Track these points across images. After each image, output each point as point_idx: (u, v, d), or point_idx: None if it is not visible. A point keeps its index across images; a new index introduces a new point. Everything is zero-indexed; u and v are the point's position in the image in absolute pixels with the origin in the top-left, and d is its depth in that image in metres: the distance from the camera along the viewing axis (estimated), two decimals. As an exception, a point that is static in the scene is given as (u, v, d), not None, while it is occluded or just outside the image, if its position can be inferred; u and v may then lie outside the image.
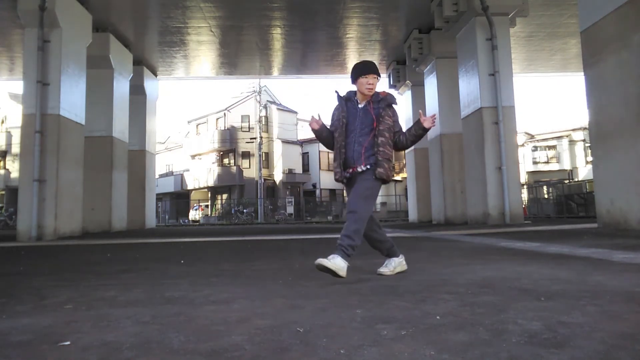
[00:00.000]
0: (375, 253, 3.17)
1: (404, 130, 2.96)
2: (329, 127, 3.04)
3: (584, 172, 31.98)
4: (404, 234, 8.70)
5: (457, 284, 2.49)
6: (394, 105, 2.94)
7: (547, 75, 19.88)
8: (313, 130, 2.99)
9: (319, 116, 2.97)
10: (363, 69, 2.92)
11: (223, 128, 35.70)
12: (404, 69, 16.34)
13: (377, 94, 2.94)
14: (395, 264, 3.00)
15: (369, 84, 2.88)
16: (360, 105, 2.92)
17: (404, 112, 17.55)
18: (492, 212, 10.32)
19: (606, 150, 6.88)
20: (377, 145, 2.80)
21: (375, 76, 2.91)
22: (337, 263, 2.58)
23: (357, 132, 2.86)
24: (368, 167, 2.82)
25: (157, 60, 16.28)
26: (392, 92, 17.66)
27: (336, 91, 3.07)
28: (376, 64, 3.08)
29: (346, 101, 2.97)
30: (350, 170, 2.87)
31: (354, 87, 3.02)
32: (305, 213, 29.68)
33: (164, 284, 2.76)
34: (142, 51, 15.36)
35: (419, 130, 2.91)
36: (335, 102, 3.06)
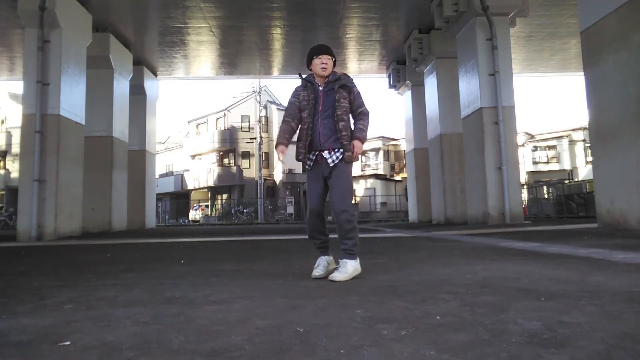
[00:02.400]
0: (375, 253, 3.16)
1: (365, 109, 2.91)
2: (289, 118, 2.93)
3: (584, 172, 31.99)
4: (404, 234, 8.70)
5: (457, 284, 2.49)
6: (350, 85, 2.90)
7: (547, 75, 19.88)
8: (282, 152, 2.86)
9: (282, 151, 2.85)
10: (316, 50, 2.94)
11: (223, 128, 35.72)
12: (404, 69, 16.34)
13: (335, 73, 2.94)
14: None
15: (323, 63, 2.89)
16: (320, 88, 2.91)
17: (404, 112, 17.58)
18: (492, 212, 10.32)
19: (606, 150, 6.88)
20: (339, 131, 2.80)
21: (329, 56, 2.91)
22: (349, 271, 2.71)
23: (322, 114, 2.85)
24: (338, 156, 2.80)
25: (157, 60, 16.28)
26: (392, 92, 17.75)
27: (299, 74, 3.07)
28: (330, 48, 3.03)
29: (309, 84, 2.95)
30: (316, 153, 2.84)
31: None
32: (305, 213, 29.64)
33: (164, 284, 2.76)
34: (142, 51, 15.36)
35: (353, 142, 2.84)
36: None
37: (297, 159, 2.88)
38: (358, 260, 2.80)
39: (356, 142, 2.80)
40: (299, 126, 2.92)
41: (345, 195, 2.80)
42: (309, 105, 2.87)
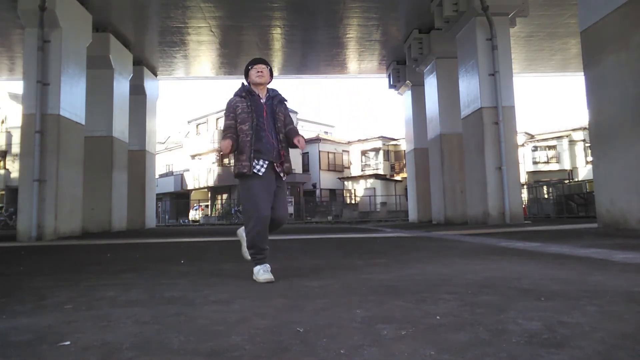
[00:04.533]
0: (375, 253, 3.17)
1: (295, 127, 3.06)
2: (229, 124, 2.91)
3: (584, 172, 31.97)
4: (404, 234, 8.70)
5: (457, 284, 2.49)
6: (284, 101, 3.04)
7: (547, 75, 19.88)
8: (226, 150, 2.80)
9: (227, 146, 2.79)
10: (251, 62, 3.03)
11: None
12: (404, 69, 16.34)
13: (272, 89, 3.05)
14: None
15: (259, 71, 2.94)
16: (262, 100, 2.96)
17: (404, 112, 17.57)
18: (492, 212, 10.32)
19: (606, 150, 6.88)
20: (280, 142, 2.91)
21: (264, 65, 2.98)
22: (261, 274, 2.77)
23: (268, 127, 2.88)
24: (285, 168, 2.92)
25: (157, 60, 16.29)
26: (392, 92, 17.74)
27: (243, 83, 3.07)
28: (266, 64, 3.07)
29: (249, 95, 2.94)
30: (267, 162, 2.83)
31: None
32: (305, 213, 29.68)
33: (164, 284, 2.76)
34: (142, 51, 15.36)
35: (290, 144, 2.98)
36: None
37: (241, 172, 2.79)
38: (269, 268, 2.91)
39: (300, 138, 2.91)
40: (238, 139, 2.85)
41: (286, 207, 2.99)
42: (249, 117, 2.84)
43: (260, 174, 2.81)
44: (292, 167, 3.00)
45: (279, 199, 2.90)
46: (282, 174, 2.90)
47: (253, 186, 2.79)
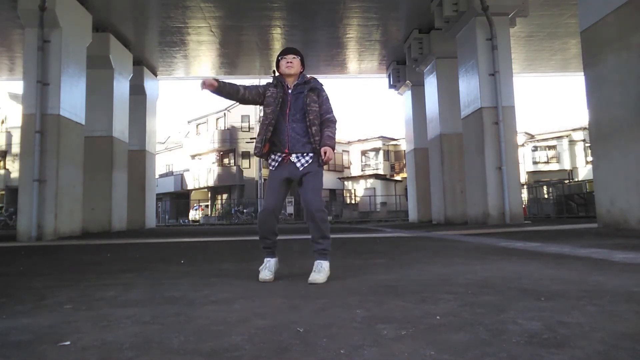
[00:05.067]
0: (375, 253, 3.16)
1: (333, 117, 2.89)
2: (241, 85, 2.93)
3: (584, 172, 31.98)
4: (404, 234, 8.70)
5: (457, 284, 2.49)
6: (319, 89, 2.89)
7: (547, 75, 19.88)
8: (210, 91, 2.83)
9: (213, 79, 2.85)
10: (281, 53, 2.96)
11: (223, 128, 35.72)
12: (404, 69, 16.34)
13: (304, 76, 2.94)
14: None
15: (288, 62, 2.88)
16: (289, 90, 2.89)
17: (404, 112, 17.58)
18: (492, 212, 10.32)
19: (606, 150, 6.88)
20: (312, 136, 2.78)
21: (294, 55, 2.91)
22: (326, 271, 2.70)
23: (289, 116, 2.82)
24: (308, 160, 2.78)
25: (157, 60, 16.28)
26: (392, 92, 17.74)
27: (273, 71, 3.12)
28: (298, 49, 3.02)
29: (278, 84, 2.92)
30: (283, 155, 2.80)
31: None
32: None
33: (164, 284, 2.76)
34: (142, 51, 15.36)
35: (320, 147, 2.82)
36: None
37: (254, 153, 2.87)
38: (329, 262, 2.77)
39: (327, 149, 2.76)
40: (247, 99, 2.91)
41: (319, 195, 2.80)
42: (275, 102, 2.83)
43: (272, 168, 2.85)
44: (327, 161, 2.80)
45: (306, 190, 2.77)
46: (299, 166, 2.77)
47: (270, 178, 2.89)
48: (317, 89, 2.88)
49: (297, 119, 2.80)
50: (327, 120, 2.86)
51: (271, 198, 2.83)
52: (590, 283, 2.37)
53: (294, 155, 2.78)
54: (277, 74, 3.00)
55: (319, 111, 2.85)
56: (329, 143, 2.79)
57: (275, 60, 3.05)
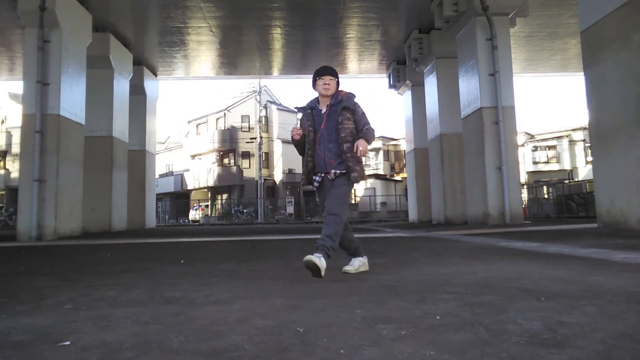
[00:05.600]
0: (375, 253, 3.18)
1: (370, 126, 2.99)
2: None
3: (584, 172, 31.98)
4: (404, 234, 8.70)
5: (457, 284, 2.49)
6: (352, 107, 2.97)
7: (547, 75, 19.89)
8: (295, 140, 3.03)
9: (299, 126, 3.04)
10: (318, 72, 3.05)
11: (223, 128, 35.72)
12: (404, 69, 16.34)
13: (337, 96, 3.01)
14: (360, 264, 3.06)
15: (325, 84, 2.98)
16: (323, 111, 3.00)
17: (404, 112, 17.57)
18: (492, 212, 10.32)
19: (606, 150, 6.88)
20: (344, 153, 2.89)
21: (331, 77, 3.00)
22: (323, 263, 2.72)
23: (325, 138, 2.95)
24: (341, 172, 2.94)
25: (157, 60, 16.28)
26: (392, 92, 17.74)
27: (296, 107, 3.22)
28: (334, 68, 3.14)
29: (311, 110, 3.05)
30: (322, 175, 2.99)
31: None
32: (305, 213, 29.67)
33: (164, 284, 2.76)
34: (142, 51, 15.36)
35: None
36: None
37: (302, 185, 3.21)
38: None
39: (361, 141, 2.84)
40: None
41: (339, 202, 2.89)
42: (308, 132, 2.98)
43: (315, 187, 3.05)
44: (363, 174, 2.99)
45: (329, 196, 2.95)
46: (332, 176, 2.96)
47: (318, 198, 3.11)
48: (350, 108, 2.96)
49: (332, 139, 2.93)
50: (365, 129, 2.97)
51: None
52: (590, 283, 2.37)
53: (331, 173, 2.96)
54: (299, 106, 3.15)
55: (356, 127, 2.96)
56: (362, 136, 2.91)
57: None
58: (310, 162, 2.98)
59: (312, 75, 3.10)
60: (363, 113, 3.00)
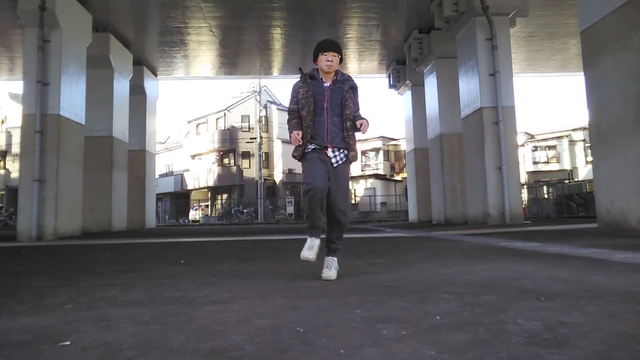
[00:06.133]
0: (375, 253, 3.17)
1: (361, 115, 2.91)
2: (293, 108, 2.92)
3: (584, 172, 31.98)
4: (404, 234, 8.70)
5: (457, 284, 2.49)
6: (356, 89, 2.93)
7: (547, 75, 19.88)
8: (297, 142, 2.83)
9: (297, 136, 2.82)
10: (322, 47, 2.88)
11: (223, 128, 35.72)
12: (404, 69, 16.34)
13: (342, 73, 2.94)
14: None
15: (328, 60, 2.84)
16: (325, 84, 2.86)
17: (404, 112, 17.57)
18: (492, 212, 10.32)
19: (606, 150, 6.88)
20: (347, 130, 2.81)
21: (335, 53, 2.86)
22: (337, 267, 2.79)
23: (329, 111, 2.81)
24: (342, 157, 2.82)
25: (157, 60, 16.28)
26: (392, 92, 17.74)
27: (300, 68, 3.05)
28: (338, 43, 3.02)
29: (311, 79, 2.88)
30: (319, 148, 2.80)
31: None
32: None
33: (164, 284, 2.76)
34: (142, 51, 15.36)
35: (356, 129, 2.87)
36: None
37: (295, 156, 2.85)
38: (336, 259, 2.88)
39: (364, 121, 2.79)
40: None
41: (348, 198, 2.86)
42: (307, 102, 2.80)
43: (309, 150, 2.81)
44: (364, 131, 2.82)
45: (336, 190, 2.78)
46: (334, 162, 2.79)
47: (306, 164, 2.82)
48: (355, 89, 2.91)
49: (336, 114, 2.82)
50: (358, 117, 2.88)
51: (319, 178, 2.74)
52: (590, 283, 2.37)
53: (330, 150, 2.79)
54: (305, 71, 2.97)
55: (353, 108, 2.87)
56: (362, 118, 2.83)
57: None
58: (309, 132, 2.78)
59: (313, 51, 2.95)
60: (358, 96, 2.97)
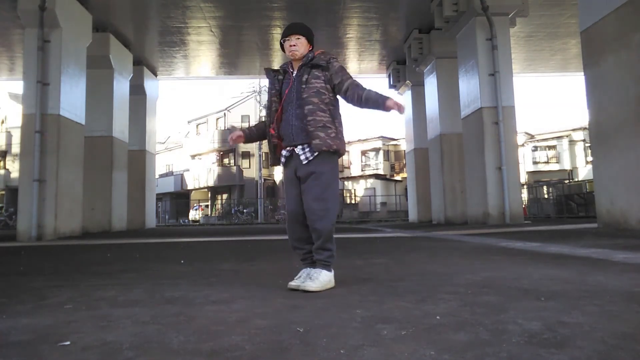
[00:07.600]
0: (375, 253, 3.16)
1: (355, 80, 2.46)
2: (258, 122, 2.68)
3: (584, 172, 31.99)
4: (404, 234, 8.70)
5: (457, 284, 2.49)
6: (325, 62, 2.45)
7: (547, 75, 19.88)
8: (239, 143, 2.56)
9: (232, 127, 2.63)
10: (283, 33, 2.53)
11: (223, 128, 35.72)
12: (404, 69, 16.34)
13: (308, 55, 2.50)
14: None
15: (291, 45, 2.47)
16: (294, 74, 2.50)
17: (403, 112, 17.54)
18: (492, 212, 10.32)
19: (606, 150, 6.88)
20: (305, 117, 2.36)
21: (298, 35, 2.48)
22: (323, 280, 2.34)
23: (293, 104, 2.42)
24: (307, 150, 2.38)
25: (157, 60, 16.28)
26: (392, 92, 17.74)
27: (265, 68, 2.71)
28: (305, 24, 2.58)
29: (283, 74, 2.55)
30: (290, 149, 2.44)
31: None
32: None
33: (164, 284, 2.76)
34: (142, 51, 15.36)
35: (379, 107, 2.38)
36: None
37: (270, 164, 2.59)
38: (333, 273, 2.42)
39: (390, 100, 2.32)
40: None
41: (324, 200, 2.36)
42: (270, 102, 2.53)
43: (282, 164, 2.49)
44: (332, 142, 2.35)
45: (306, 190, 2.38)
46: (303, 159, 2.38)
47: (284, 178, 2.52)
48: (320, 65, 2.44)
49: (300, 104, 2.41)
50: (352, 85, 2.41)
51: (290, 201, 2.46)
52: (590, 283, 2.37)
53: (298, 147, 2.40)
54: (273, 68, 2.71)
55: (338, 85, 2.42)
56: (367, 93, 2.37)
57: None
58: (274, 136, 2.45)
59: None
60: (341, 67, 2.47)
